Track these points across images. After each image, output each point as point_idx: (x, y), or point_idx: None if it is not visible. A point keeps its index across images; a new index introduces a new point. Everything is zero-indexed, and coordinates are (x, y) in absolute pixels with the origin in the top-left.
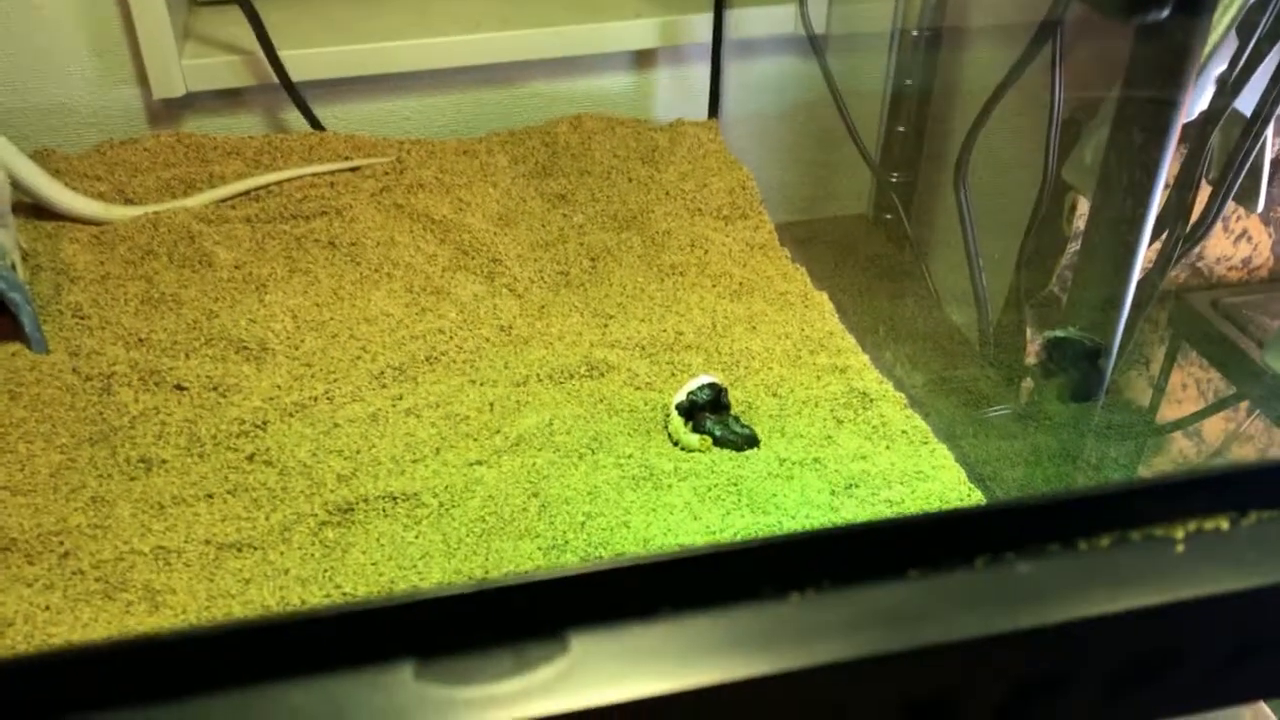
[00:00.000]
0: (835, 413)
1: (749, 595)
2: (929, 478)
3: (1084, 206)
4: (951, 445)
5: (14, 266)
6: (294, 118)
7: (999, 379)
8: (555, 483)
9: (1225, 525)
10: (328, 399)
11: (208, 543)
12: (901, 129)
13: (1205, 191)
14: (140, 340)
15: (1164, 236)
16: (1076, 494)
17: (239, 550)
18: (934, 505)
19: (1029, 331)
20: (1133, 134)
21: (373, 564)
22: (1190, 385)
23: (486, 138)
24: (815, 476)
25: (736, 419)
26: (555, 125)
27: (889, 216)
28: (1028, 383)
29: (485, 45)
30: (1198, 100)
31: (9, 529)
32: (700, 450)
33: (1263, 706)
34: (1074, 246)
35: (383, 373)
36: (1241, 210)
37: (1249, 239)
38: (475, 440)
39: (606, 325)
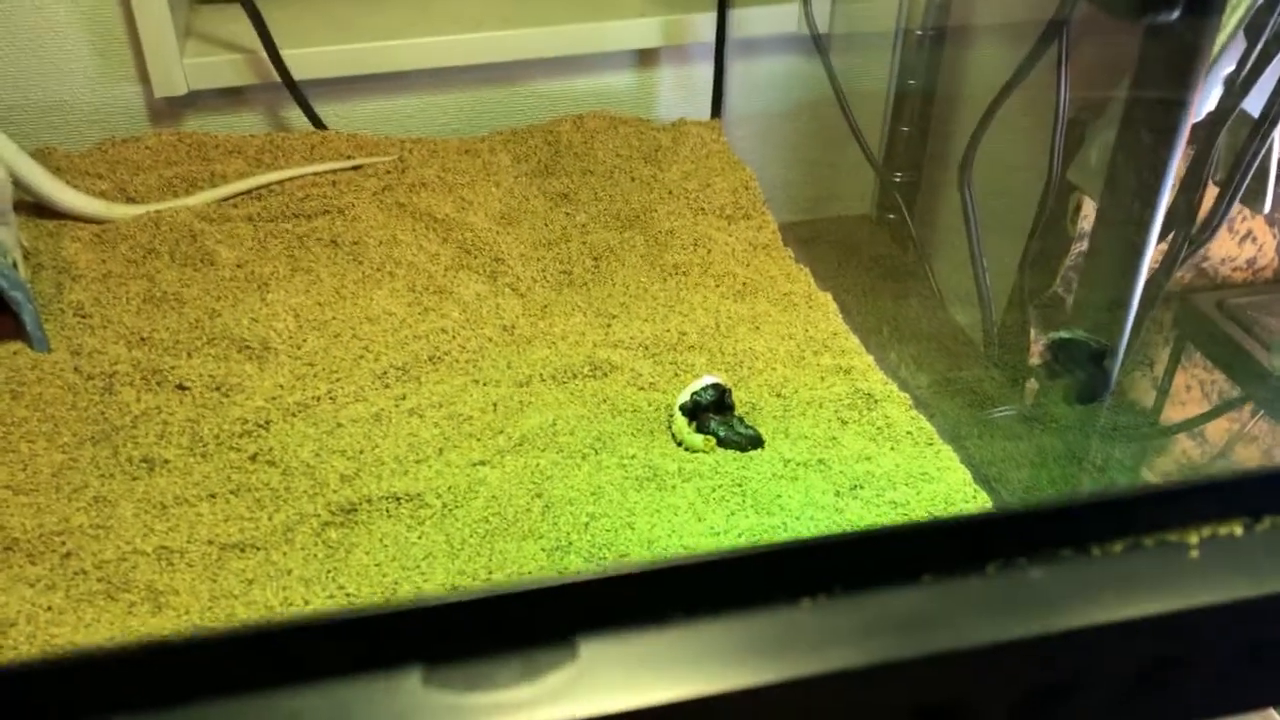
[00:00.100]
0: (840, 414)
1: (760, 601)
2: (934, 479)
3: (1088, 207)
4: (956, 446)
5: (15, 265)
6: (296, 116)
7: (1004, 380)
8: (559, 483)
9: (1239, 531)
10: (330, 399)
11: (210, 543)
12: (905, 128)
13: (1210, 192)
14: (142, 339)
15: (1170, 237)
16: (1089, 498)
17: (242, 550)
18: (939, 507)
19: (1033, 332)
20: (1141, 135)
21: (376, 565)
22: (1195, 387)
23: (489, 137)
24: (820, 478)
25: (740, 420)
26: (558, 124)
27: (892, 216)
28: (1032, 384)
29: (488, 44)
30: (1205, 101)
31: (11, 529)
32: (704, 451)
33: (1274, 714)
34: (1078, 247)
35: (385, 372)
36: (1246, 211)
37: (1254, 240)
38: (478, 440)
39: (609, 325)
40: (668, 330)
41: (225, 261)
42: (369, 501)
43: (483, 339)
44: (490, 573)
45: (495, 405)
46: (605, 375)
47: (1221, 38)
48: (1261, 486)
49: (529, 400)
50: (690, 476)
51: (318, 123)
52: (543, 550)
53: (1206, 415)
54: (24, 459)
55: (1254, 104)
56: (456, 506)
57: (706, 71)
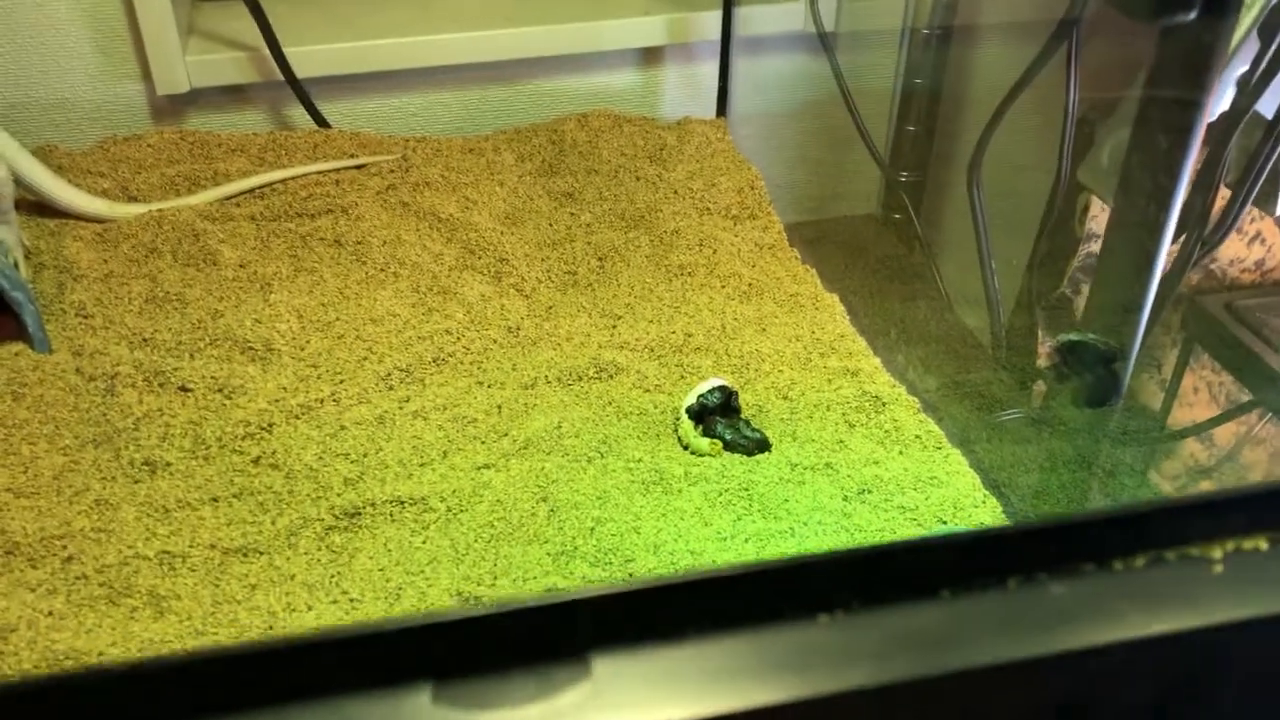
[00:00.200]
0: (847, 416)
1: (777, 617)
2: (943, 483)
3: (1096, 208)
4: (965, 450)
5: (17, 265)
6: (299, 114)
7: (1012, 383)
8: (564, 487)
9: (1264, 545)
10: (334, 401)
11: (213, 547)
12: (912, 128)
13: (1220, 194)
14: (144, 340)
15: (1181, 239)
16: (1110, 512)
17: (244, 555)
18: (948, 512)
19: (1041, 334)
20: (1155, 136)
21: (380, 569)
22: (1203, 389)
23: (493, 135)
24: (827, 482)
25: (747, 423)
26: (562, 123)
27: (898, 216)
28: (1041, 387)
29: (491, 42)
30: (1218, 102)
31: (11, 532)
32: (710, 454)
33: None
34: (1086, 248)
35: (389, 374)
36: (1256, 212)
37: (1263, 241)
38: (483, 443)
39: (615, 326)
40: (673, 332)
41: (228, 261)
42: (373, 505)
43: (487, 340)
44: (495, 578)
45: (500, 408)
46: (611, 377)
47: (1235, 39)
48: None
49: (534, 403)
50: (697, 480)
51: (321, 121)
52: (548, 555)
53: (1216, 419)
54: (25, 461)
55: (1267, 105)
56: (461, 510)
57: (712, 70)
